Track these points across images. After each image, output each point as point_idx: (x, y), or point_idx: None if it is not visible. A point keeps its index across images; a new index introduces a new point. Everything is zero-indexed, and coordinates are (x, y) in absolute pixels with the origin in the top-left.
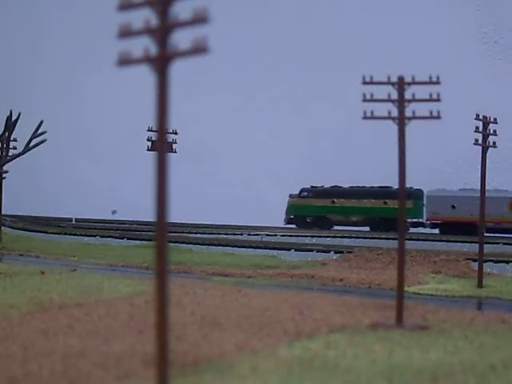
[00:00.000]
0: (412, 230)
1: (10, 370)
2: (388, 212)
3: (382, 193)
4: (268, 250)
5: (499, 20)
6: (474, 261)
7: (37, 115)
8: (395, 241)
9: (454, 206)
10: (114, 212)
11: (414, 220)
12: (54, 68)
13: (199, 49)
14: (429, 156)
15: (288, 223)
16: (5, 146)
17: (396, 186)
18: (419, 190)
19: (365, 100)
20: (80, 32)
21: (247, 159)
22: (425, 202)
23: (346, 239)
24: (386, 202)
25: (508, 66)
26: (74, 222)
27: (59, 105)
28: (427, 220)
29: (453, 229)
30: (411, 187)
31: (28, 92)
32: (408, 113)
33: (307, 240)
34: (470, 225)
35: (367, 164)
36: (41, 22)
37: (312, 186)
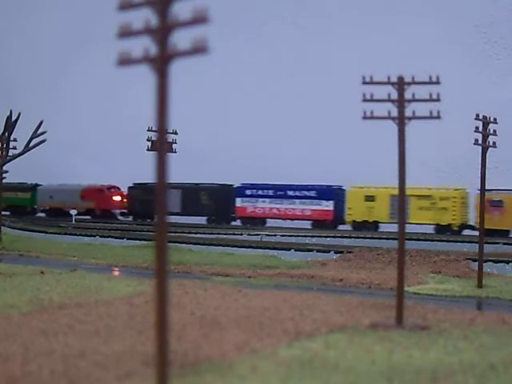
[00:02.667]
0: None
1: (10, 369)
2: (17, 201)
3: (18, 187)
4: (268, 250)
5: (499, 20)
6: (474, 261)
7: (37, 115)
8: (395, 241)
9: (51, 197)
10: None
11: (31, 207)
12: (53, 67)
13: (199, 49)
14: (429, 156)
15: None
16: (5, 145)
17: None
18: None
19: (365, 100)
20: (80, 32)
21: (247, 159)
22: (38, 193)
23: (345, 239)
24: (17, 194)
25: (508, 65)
26: (73, 222)
27: (59, 105)
28: (39, 207)
29: (53, 213)
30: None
31: (28, 92)
32: (408, 113)
33: (307, 240)
34: (59, 210)
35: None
36: (40, 21)
37: None
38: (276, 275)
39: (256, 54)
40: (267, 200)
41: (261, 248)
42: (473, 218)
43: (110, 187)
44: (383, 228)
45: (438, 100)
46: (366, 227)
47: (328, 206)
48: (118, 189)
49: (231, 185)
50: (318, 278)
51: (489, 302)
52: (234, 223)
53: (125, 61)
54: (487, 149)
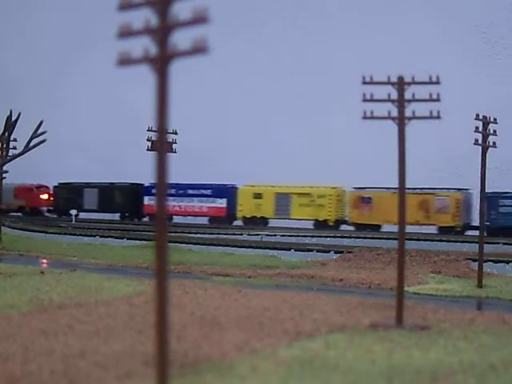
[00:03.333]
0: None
1: (10, 369)
2: None
3: None
4: (268, 250)
5: (499, 20)
6: (474, 261)
7: (36, 115)
8: (395, 241)
9: None
10: None
11: None
12: (53, 67)
13: (199, 49)
14: (429, 156)
15: None
16: (5, 145)
17: None
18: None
19: (365, 100)
20: (80, 32)
21: (247, 159)
22: None
23: (345, 239)
24: None
25: (508, 65)
26: (73, 221)
27: (59, 105)
28: None
29: None
30: None
31: (28, 92)
32: (408, 113)
33: (307, 240)
34: None
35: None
36: (40, 20)
37: None
38: (276, 275)
39: (256, 54)
40: (170, 198)
41: (261, 248)
42: (347, 214)
43: (39, 186)
44: (271, 223)
45: (438, 100)
46: (255, 222)
47: (222, 203)
48: (47, 188)
49: (141, 184)
50: (318, 278)
51: (489, 302)
52: (236, 223)
53: (125, 61)
54: (487, 149)
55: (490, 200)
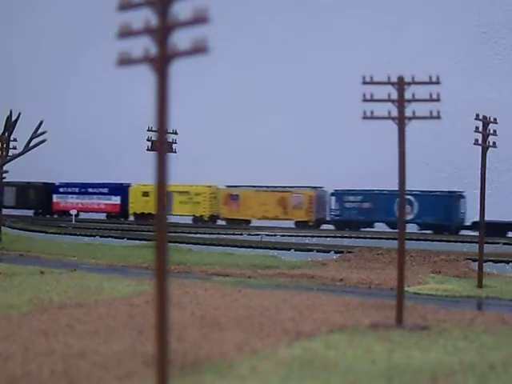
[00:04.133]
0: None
1: (10, 369)
2: None
3: None
4: (268, 250)
5: (499, 20)
6: (474, 261)
7: (37, 115)
8: (395, 241)
9: None
10: None
11: None
12: (53, 68)
13: (199, 49)
14: (429, 156)
15: None
16: (5, 146)
17: None
18: None
19: (365, 100)
20: (80, 32)
21: (247, 159)
22: None
23: (346, 239)
24: None
25: (508, 65)
26: (73, 222)
27: (59, 104)
28: None
29: None
30: None
31: (27, 92)
32: (408, 113)
33: (307, 240)
34: None
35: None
36: (40, 20)
37: None
38: (276, 275)
39: (256, 54)
40: (74, 196)
41: (261, 248)
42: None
43: None
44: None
45: (438, 100)
46: (144, 218)
47: (116, 200)
48: None
49: (52, 183)
50: (318, 278)
51: (489, 302)
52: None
53: (125, 61)
54: (487, 149)
55: (337, 196)
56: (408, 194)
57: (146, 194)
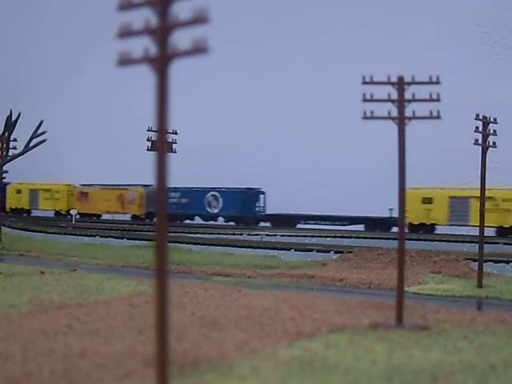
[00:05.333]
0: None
1: (10, 369)
2: None
3: None
4: (268, 250)
5: (499, 20)
6: (474, 261)
7: (37, 115)
8: (395, 241)
9: None
10: None
11: None
12: (53, 68)
13: (199, 49)
14: (429, 156)
15: None
16: (5, 145)
17: None
18: None
19: (365, 100)
20: (79, 31)
21: (247, 159)
22: None
23: (346, 239)
24: None
25: (508, 65)
26: (73, 222)
27: (59, 104)
28: None
29: None
30: None
31: (27, 92)
32: (408, 113)
33: (307, 240)
34: None
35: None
36: (39, 20)
37: None
38: (276, 275)
39: (256, 54)
40: None
41: (261, 248)
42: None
43: None
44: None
45: (438, 100)
46: (18, 212)
47: None
48: None
49: None
50: (318, 278)
51: (489, 302)
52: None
53: (125, 61)
54: (487, 149)
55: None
56: (215, 191)
57: (19, 191)
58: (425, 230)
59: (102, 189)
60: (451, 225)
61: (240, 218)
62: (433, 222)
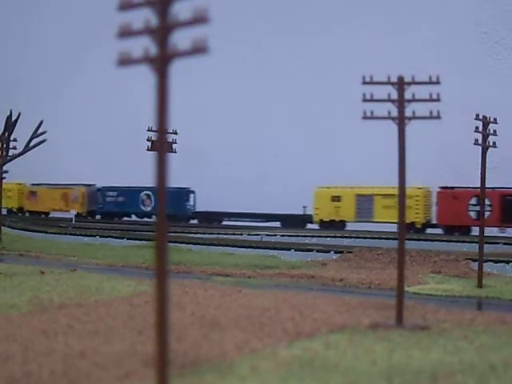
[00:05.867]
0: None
1: (10, 369)
2: None
3: None
4: (268, 250)
5: (499, 20)
6: (474, 261)
7: (37, 115)
8: (395, 241)
9: None
10: None
11: None
12: (53, 67)
13: (199, 49)
14: (429, 156)
15: None
16: (5, 145)
17: None
18: None
19: (365, 100)
20: (79, 31)
21: (244, 158)
22: None
23: (346, 239)
24: None
25: (508, 65)
26: (73, 222)
27: (58, 105)
28: None
29: None
30: None
31: (27, 92)
32: (408, 113)
33: (307, 240)
34: None
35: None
36: (39, 20)
37: None
38: (276, 275)
39: (256, 54)
40: None
41: (261, 248)
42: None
43: None
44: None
45: (438, 100)
46: None
47: None
48: None
49: None
50: (318, 278)
51: (489, 302)
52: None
53: (125, 61)
54: (487, 149)
55: (101, 192)
56: (148, 190)
57: None
58: (335, 226)
59: (48, 188)
60: (358, 221)
61: (171, 215)
62: (342, 218)
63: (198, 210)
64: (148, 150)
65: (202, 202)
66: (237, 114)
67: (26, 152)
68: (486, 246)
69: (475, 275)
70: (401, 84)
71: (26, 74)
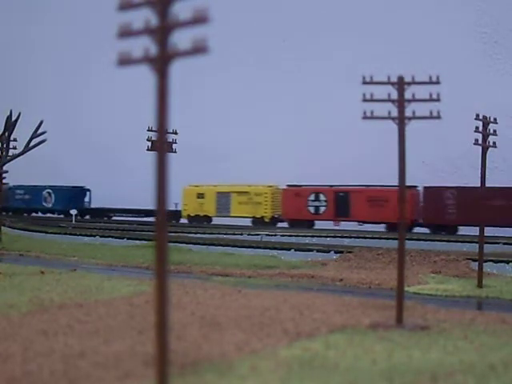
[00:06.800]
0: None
1: (9, 369)
2: None
3: None
4: (268, 250)
5: (499, 20)
6: (474, 261)
7: (37, 115)
8: (395, 241)
9: None
10: None
11: None
12: (53, 67)
13: (199, 49)
14: (429, 156)
15: None
16: (5, 145)
17: None
18: None
19: (365, 100)
20: (79, 31)
21: (245, 157)
22: None
23: (346, 239)
24: None
25: (508, 65)
26: (73, 222)
27: (59, 104)
28: None
29: None
30: None
31: (28, 92)
32: (408, 113)
33: (307, 240)
34: None
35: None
36: (40, 21)
37: None
38: (276, 275)
39: (256, 54)
40: None
41: (261, 248)
42: None
43: None
44: None
45: (438, 100)
46: None
47: None
48: None
49: None
50: (318, 278)
51: (489, 302)
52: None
53: (125, 61)
54: (487, 149)
55: (12, 190)
56: (49, 188)
57: None
58: (200, 220)
59: None
60: (218, 216)
61: (68, 211)
62: (205, 213)
63: (92, 206)
64: (148, 150)
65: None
66: (236, 114)
67: (26, 152)
68: (485, 245)
69: (475, 275)
70: (401, 84)
71: (26, 74)
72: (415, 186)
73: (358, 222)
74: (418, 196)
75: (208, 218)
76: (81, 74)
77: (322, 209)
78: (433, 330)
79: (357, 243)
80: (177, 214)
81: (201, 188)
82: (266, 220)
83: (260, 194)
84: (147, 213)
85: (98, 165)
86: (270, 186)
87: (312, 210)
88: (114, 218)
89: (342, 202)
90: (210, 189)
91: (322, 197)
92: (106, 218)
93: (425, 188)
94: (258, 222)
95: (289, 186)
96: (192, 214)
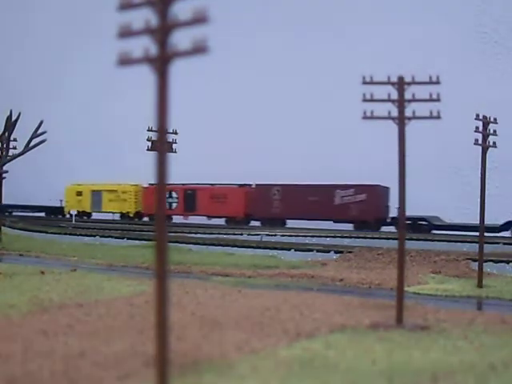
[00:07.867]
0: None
1: (9, 369)
2: None
3: None
4: (268, 250)
5: (499, 20)
6: (474, 261)
7: (37, 115)
8: (395, 241)
9: None
10: None
11: None
12: (53, 67)
13: (199, 49)
14: (429, 156)
15: None
16: (5, 145)
17: None
18: None
19: (365, 100)
20: (79, 32)
21: (247, 159)
22: None
23: (346, 239)
24: None
25: (508, 65)
26: (73, 222)
27: (59, 105)
28: None
29: None
30: None
31: (27, 92)
32: (408, 113)
33: (307, 240)
34: None
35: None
36: (39, 19)
37: None
38: (276, 275)
39: (256, 54)
40: None
41: (261, 248)
42: None
43: None
44: None
45: (438, 100)
46: None
47: None
48: None
49: None
50: (318, 278)
51: (489, 302)
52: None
53: (125, 61)
54: (487, 149)
55: None
56: None
57: None
58: (81, 214)
59: None
60: (93, 211)
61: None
62: (83, 209)
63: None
64: (148, 150)
65: None
66: (236, 114)
67: (26, 152)
68: (485, 245)
69: (475, 275)
70: (401, 84)
71: (26, 73)
72: (250, 184)
73: (203, 216)
74: (252, 193)
75: (88, 214)
76: (81, 73)
77: (174, 205)
78: (433, 330)
79: (357, 243)
80: (61, 210)
81: (79, 186)
82: (131, 215)
83: (125, 192)
84: (34, 208)
85: (98, 165)
86: (134, 185)
87: (167, 206)
88: (14, 213)
89: (189, 198)
90: (86, 187)
91: (174, 194)
92: (7, 214)
93: (256, 185)
94: (127, 217)
95: (149, 184)
96: (71, 211)
